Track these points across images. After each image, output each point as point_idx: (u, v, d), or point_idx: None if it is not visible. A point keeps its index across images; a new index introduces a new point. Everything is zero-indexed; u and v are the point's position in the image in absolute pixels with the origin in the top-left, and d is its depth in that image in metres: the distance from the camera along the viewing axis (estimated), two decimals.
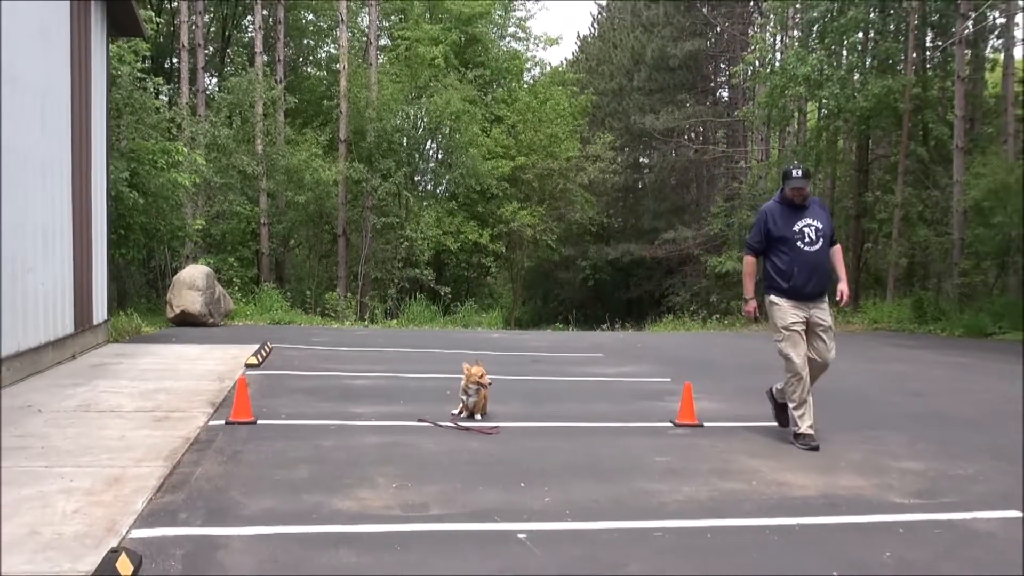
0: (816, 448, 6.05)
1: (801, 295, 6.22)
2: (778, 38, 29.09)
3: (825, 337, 6.27)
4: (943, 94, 22.95)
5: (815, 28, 23.92)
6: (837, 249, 6.42)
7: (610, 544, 4.03)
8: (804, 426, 6.19)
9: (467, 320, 23.11)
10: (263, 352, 10.28)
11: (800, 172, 6.38)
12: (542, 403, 7.78)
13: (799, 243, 6.20)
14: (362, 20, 27.78)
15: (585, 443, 6.15)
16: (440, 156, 28.23)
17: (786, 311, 6.24)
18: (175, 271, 15.89)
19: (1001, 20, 22.93)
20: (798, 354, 6.19)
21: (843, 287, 6.39)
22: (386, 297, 23.65)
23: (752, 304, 6.69)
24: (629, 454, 5.82)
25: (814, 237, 6.20)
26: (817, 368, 6.34)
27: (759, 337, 17.92)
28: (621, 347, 13.74)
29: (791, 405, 6.26)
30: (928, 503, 4.85)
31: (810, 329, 6.27)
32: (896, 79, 20.91)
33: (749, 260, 6.56)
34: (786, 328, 6.23)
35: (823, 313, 6.27)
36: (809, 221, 6.25)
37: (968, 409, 7.95)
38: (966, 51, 20.55)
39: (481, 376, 6.69)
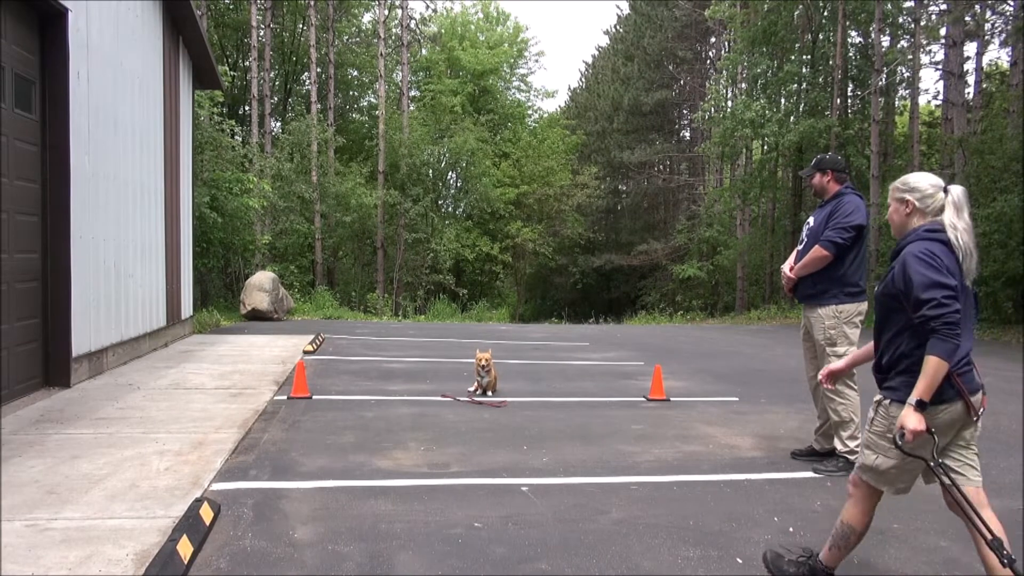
0: (806, 456, 4.75)
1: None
2: (729, 89, 29.02)
3: (815, 351, 4.58)
4: (861, 133, 22.87)
5: (759, 81, 23.89)
6: (815, 247, 4.49)
7: (595, 495, 4.02)
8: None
9: (481, 316, 23.14)
10: (317, 341, 10.29)
11: (813, 162, 4.69)
12: (540, 382, 7.75)
13: (799, 244, 4.71)
14: (396, 75, 27.78)
15: (575, 414, 6.13)
16: (459, 184, 28.32)
17: None
18: (247, 276, 15.86)
19: (907, 74, 22.94)
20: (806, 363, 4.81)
21: (786, 268, 4.71)
22: (416, 297, 23.65)
23: None
24: (610, 423, 5.80)
25: (804, 236, 4.66)
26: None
27: (713, 328, 17.87)
28: (603, 337, 13.70)
29: None
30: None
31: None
32: (820, 120, 20.87)
33: None
34: None
35: (813, 323, 4.59)
36: (810, 220, 4.67)
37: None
38: (880, 99, 20.56)
39: (486, 360, 6.68)
